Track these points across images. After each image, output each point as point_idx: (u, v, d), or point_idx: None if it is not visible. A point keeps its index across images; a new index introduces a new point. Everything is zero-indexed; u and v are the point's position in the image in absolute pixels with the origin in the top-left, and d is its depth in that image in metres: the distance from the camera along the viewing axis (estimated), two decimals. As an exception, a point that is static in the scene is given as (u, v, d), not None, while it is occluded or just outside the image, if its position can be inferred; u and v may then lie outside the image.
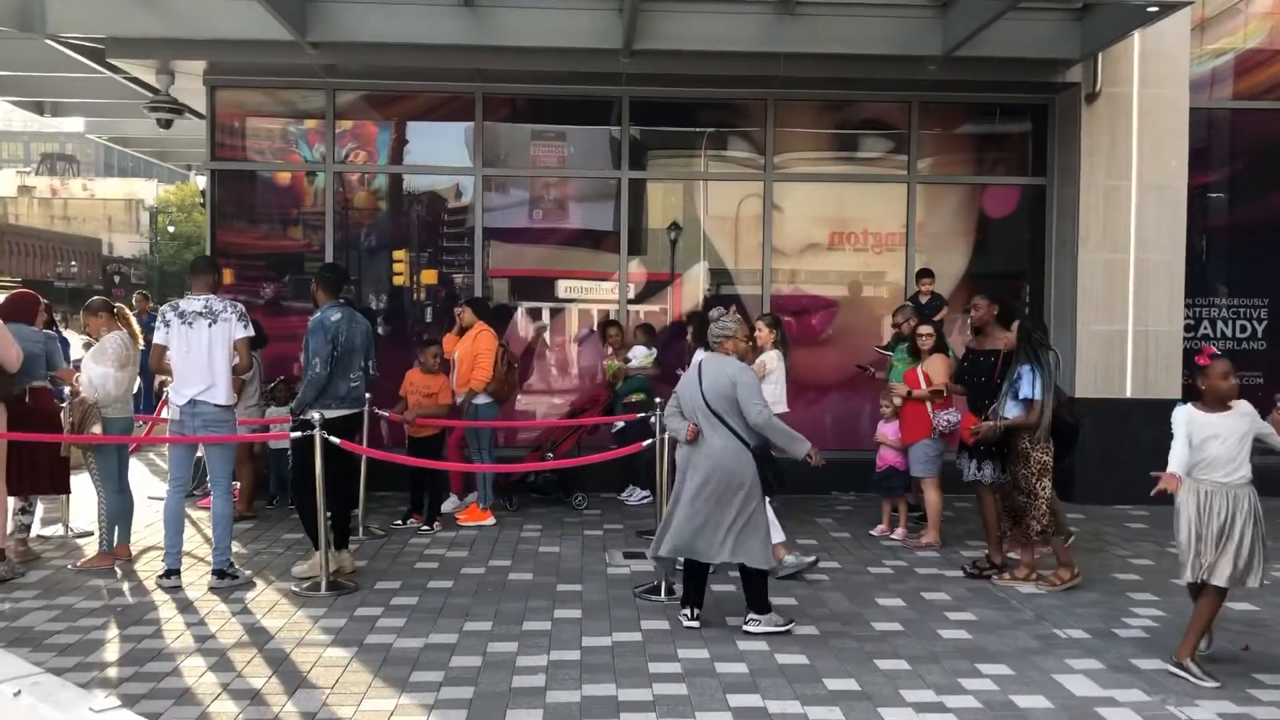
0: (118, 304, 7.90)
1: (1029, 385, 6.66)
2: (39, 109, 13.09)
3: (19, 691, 3.69)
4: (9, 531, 7.04)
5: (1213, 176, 10.54)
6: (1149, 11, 8.04)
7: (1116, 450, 9.32)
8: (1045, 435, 6.70)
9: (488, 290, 10.37)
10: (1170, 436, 5.22)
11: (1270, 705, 4.89)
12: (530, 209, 10.75)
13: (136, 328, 7.65)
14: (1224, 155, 10.65)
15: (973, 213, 10.76)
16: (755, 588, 5.91)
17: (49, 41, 9.38)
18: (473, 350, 8.76)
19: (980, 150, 10.89)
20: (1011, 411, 6.75)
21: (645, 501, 9.56)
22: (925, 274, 9.66)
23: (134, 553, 7.42)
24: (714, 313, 6.42)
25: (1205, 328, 10.49)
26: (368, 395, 8.25)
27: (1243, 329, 10.55)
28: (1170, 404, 5.61)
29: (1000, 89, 10.13)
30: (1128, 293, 9.75)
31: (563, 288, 10.77)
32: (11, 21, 8.79)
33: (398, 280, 10.71)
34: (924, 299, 9.48)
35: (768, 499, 6.02)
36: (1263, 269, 10.55)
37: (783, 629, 5.84)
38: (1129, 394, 9.58)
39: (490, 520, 8.74)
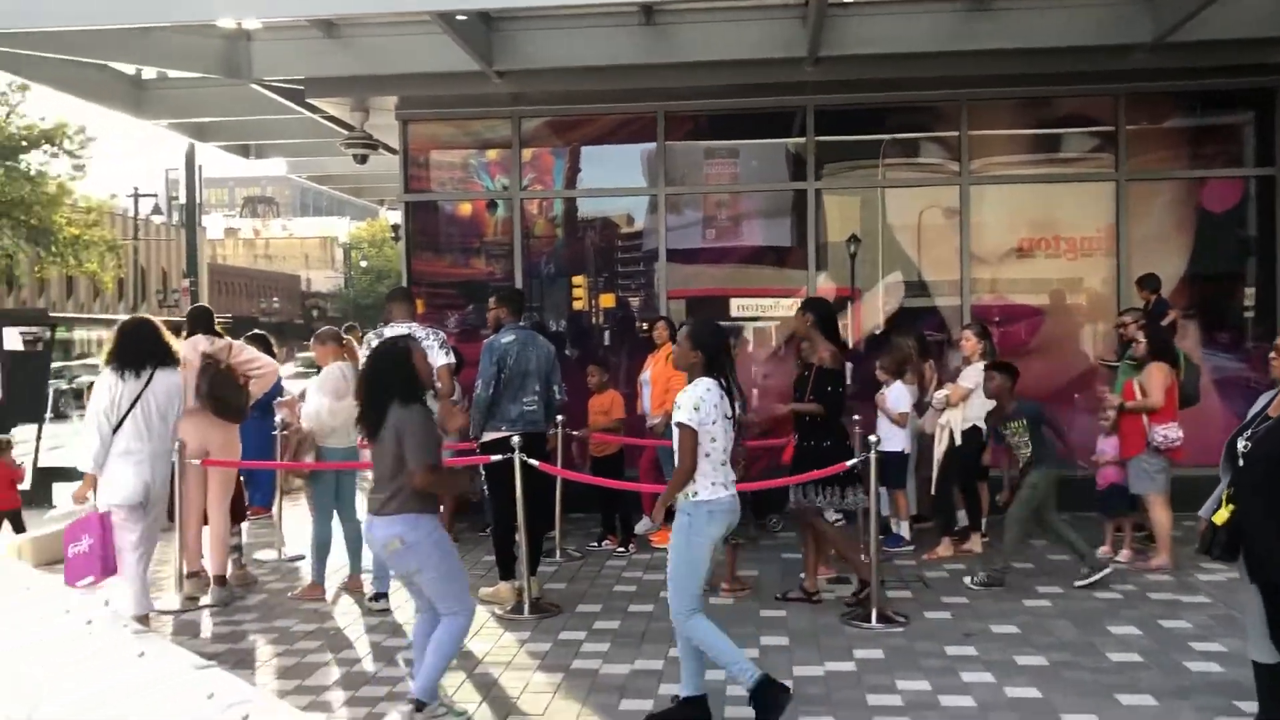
0: (347, 336, 7.98)
1: None
2: (245, 151, 13.80)
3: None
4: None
5: None
6: (1396, -24, 7.27)
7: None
8: None
9: (669, 311, 10.24)
10: None
11: None
12: (708, 227, 10.60)
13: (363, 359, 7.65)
14: None
15: (1189, 210, 9.98)
16: None
17: (254, 85, 9.83)
18: (665, 373, 8.65)
19: (1197, 142, 10.10)
20: None
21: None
22: (1146, 282, 8.99)
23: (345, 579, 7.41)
24: None
25: None
26: (560, 418, 8.21)
27: None
28: None
29: (1217, 74, 9.36)
30: (1376, 290, 8.85)
31: (746, 306, 10.56)
32: (220, 69, 9.25)
33: (577, 305, 10.72)
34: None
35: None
36: None
37: None
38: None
39: (685, 542, 8.57)
